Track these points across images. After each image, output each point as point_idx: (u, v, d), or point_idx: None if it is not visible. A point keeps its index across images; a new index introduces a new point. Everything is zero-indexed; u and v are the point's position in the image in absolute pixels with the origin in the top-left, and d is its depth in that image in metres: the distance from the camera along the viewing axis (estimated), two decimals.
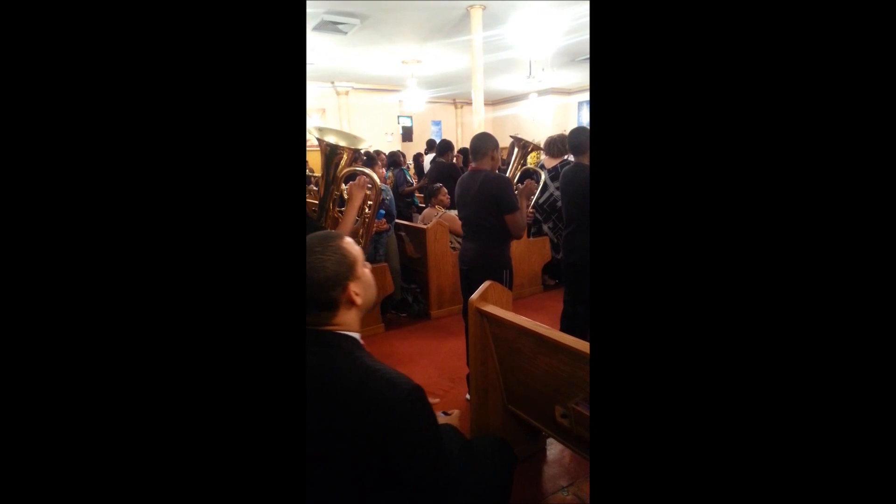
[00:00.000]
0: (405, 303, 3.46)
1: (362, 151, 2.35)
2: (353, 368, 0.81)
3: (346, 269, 0.85)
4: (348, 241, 0.88)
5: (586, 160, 2.30)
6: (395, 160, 5.10)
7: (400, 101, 9.46)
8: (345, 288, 0.84)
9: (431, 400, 1.09)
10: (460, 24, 5.39)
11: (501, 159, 3.28)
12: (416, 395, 0.78)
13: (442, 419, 1.25)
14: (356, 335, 0.88)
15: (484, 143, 2.07)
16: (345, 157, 1.93)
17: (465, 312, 2.19)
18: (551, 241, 3.78)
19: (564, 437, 1.44)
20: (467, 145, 2.49)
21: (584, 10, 4.93)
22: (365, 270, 0.90)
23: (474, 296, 1.61)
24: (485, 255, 2.06)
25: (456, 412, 1.35)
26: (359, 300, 0.87)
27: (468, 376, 1.76)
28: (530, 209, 2.53)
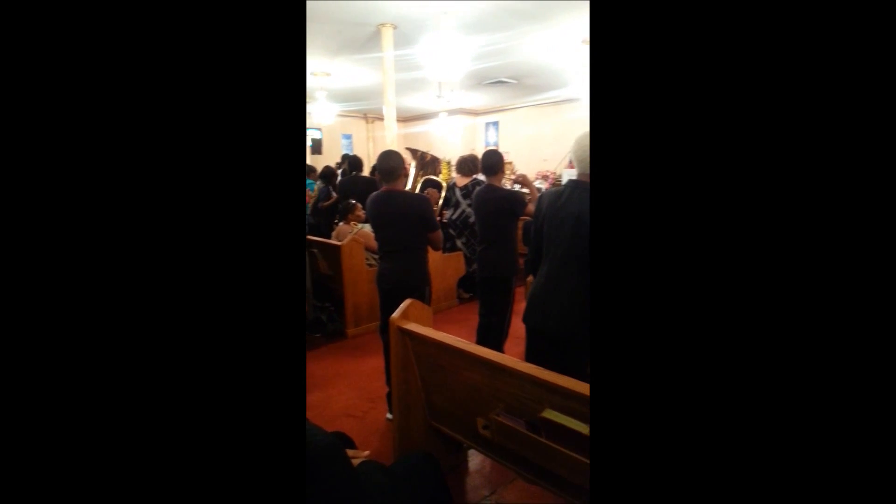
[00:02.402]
0: (319, 322, 3.33)
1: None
2: None
3: None
4: None
5: (497, 181, 2.44)
6: (326, 173, 4.94)
7: (309, 112, 9.18)
8: None
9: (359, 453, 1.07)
10: (371, 41, 5.42)
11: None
12: (330, 454, 0.78)
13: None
14: None
15: (396, 161, 2.11)
16: None
17: (382, 330, 2.18)
18: (465, 255, 3.91)
19: (486, 447, 1.49)
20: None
21: (493, 38, 5.25)
22: None
23: (395, 314, 1.61)
24: (410, 274, 2.10)
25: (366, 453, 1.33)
26: None
27: (388, 395, 1.74)
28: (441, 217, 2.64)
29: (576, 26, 4.93)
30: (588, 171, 1.61)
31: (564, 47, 5.66)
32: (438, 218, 3.50)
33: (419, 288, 2.06)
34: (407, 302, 1.63)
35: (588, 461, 1.10)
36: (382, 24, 4.95)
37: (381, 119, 6.27)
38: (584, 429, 1.11)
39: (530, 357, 1.85)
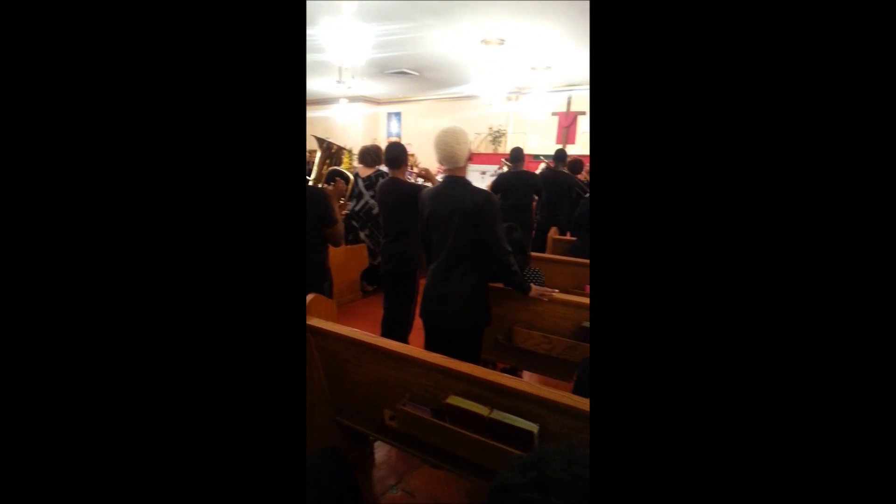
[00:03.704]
0: None
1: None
2: None
3: None
4: None
5: (401, 174, 2.46)
6: None
7: None
8: None
9: None
10: None
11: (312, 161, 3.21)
12: None
13: None
14: None
15: None
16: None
17: None
18: (368, 248, 3.86)
19: (392, 438, 1.52)
20: None
21: (396, 28, 5.19)
22: None
23: None
24: (308, 270, 2.02)
25: None
26: None
27: None
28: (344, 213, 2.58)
29: (476, 25, 5.09)
30: (459, 165, 1.69)
31: (465, 44, 5.82)
32: (345, 212, 3.41)
33: (318, 283, 2.01)
34: (310, 297, 1.58)
35: (487, 440, 1.18)
36: None
37: None
38: (484, 411, 1.19)
39: (429, 349, 1.91)
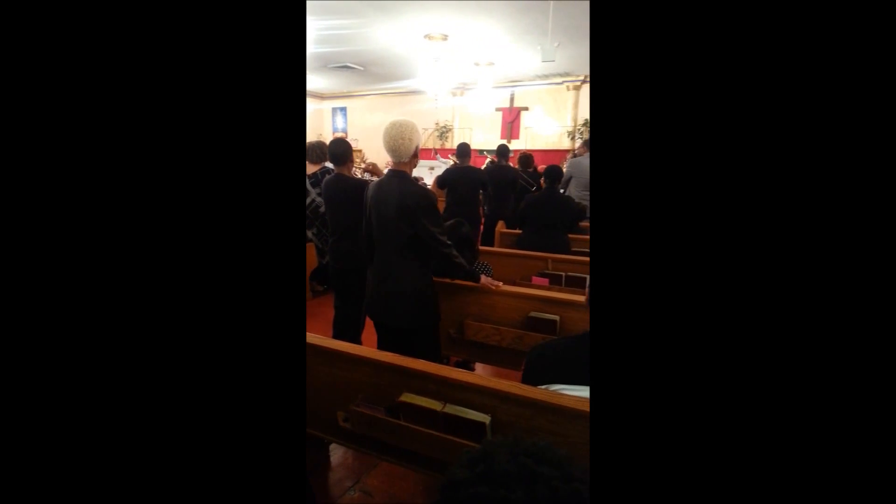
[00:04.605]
0: None
1: None
2: None
3: None
4: None
5: (347, 171, 2.41)
6: None
7: None
8: None
9: None
10: None
11: None
12: None
13: None
14: None
15: None
16: None
17: None
18: (316, 246, 3.77)
19: (348, 439, 1.50)
20: None
21: (334, 22, 5.06)
22: None
23: None
24: None
25: None
26: None
27: None
28: None
29: (419, 20, 5.07)
30: (403, 160, 1.67)
31: (409, 39, 5.78)
32: None
33: None
34: None
35: (441, 434, 1.20)
36: None
37: None
38: (437, 406, 1.21)
39: (382, 349, 1.90)
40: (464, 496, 0.38)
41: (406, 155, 1.66)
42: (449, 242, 1.69)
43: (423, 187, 1.72)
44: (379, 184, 1.74)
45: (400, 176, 1.67)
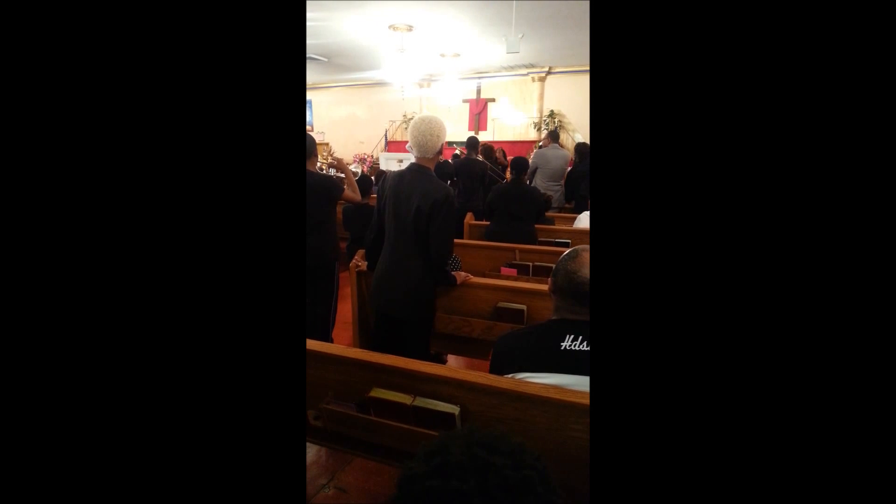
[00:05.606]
0: None
1: None
2: None
3: None
4: None
5: (311, 165, 2.37)
6: None
7: None
8: None
9: None
10: None
11: None
12: None
13: None
14: None
15: None
16: None
17: None
18: None
19: (320, 437, 1.50)
20: None
21: None
22: None
23: None
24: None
25: None
26: None
27: None
28: None
29: (383, 11, 5.00)
30: (428, 156, 1.68)
31: (373, 30, 5.69)
32: None
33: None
34: None
35: (412, 427, 1.22)
36: None
37: None
38: (407, 399, 1.22)
39: (377, 338, 1.91)
40: (419, 489, 0.39)
41: (432, 151, 1.67)
42: (452, 254, 1.73)
43: (447, 188, 1.72)
44: (400, 176, 1.73)
45: (423, 172, 1.68)
